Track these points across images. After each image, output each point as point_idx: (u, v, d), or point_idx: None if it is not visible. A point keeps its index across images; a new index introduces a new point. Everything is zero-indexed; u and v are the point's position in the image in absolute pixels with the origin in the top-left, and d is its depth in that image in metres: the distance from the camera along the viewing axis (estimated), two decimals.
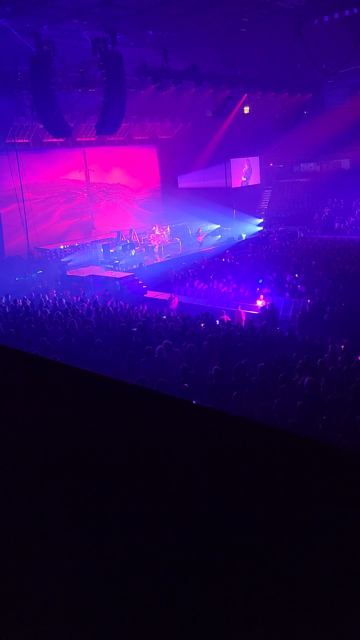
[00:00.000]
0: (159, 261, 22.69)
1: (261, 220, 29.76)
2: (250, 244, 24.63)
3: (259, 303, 14.87)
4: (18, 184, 21.12)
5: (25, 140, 22.05)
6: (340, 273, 16.70)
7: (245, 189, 29.70)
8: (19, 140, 21.74)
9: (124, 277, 18.82)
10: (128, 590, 0.74)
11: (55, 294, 16.38)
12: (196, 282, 18.49)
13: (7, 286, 17.48)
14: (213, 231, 28.35)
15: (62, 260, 21.33)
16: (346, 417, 6.39)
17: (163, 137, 28.37)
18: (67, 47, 19.48)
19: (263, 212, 30.67)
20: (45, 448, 1.01)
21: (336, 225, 27.32)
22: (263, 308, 14.09)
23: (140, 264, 21.55)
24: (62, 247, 22.59)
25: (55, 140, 21.63)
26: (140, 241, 24.06)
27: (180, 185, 29.33)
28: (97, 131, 19.93)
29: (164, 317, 12.74)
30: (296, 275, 17.41)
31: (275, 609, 0.66)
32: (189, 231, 26.77)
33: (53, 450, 0.99)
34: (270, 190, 31.40)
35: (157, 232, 24.29)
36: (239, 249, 24.34)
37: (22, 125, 21.38)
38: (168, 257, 23.36)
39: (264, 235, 27.50)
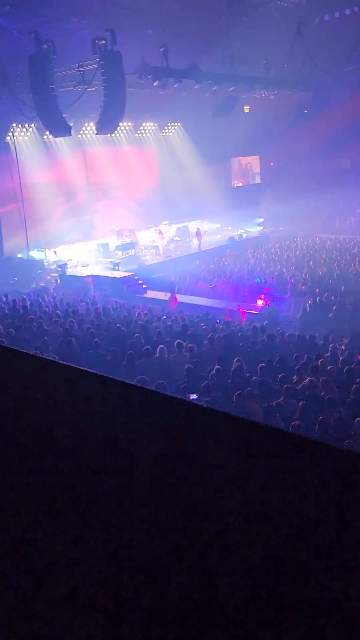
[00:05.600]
0: (159, 261, 22.70)
1: (262, 220, 29.75)
2: (250, 244, 24.63)
3: (259, 303, 14.85)
4: (17, 183, 21.10)
5: (25, 140, 22.04)
6: (341, 273, 16.68)
7: (245, 189, 29.70)
8: (18, 140, 21.73)
9: (123, 277, 18.80)
10: (127, 590, 0.73)
11: (55, 294, 16.35)
12: (196, 282, 18.46)
13: (6, 286, 17.47)
14: (213, 231, 28.35)
15: (61, 259, 21.32)
16: (344, 418, 6.37)
17: (163, 136, 28.36)
18: (67, 46, 19.43)
19: (263, 212, 30.67)
20: (45, 448, 1.01)
21: (337, 224, 27.31)
22: (263, 308, 14.06)
23: (140, 264, 21.54)
24: (61, 246, 22.58)
25: (55, 139, 21.61)
26: (141, 241, 24.08)
27: (180, 184, 29.30)
28: (97, 130, 19.92)
29: (164, 317, 12.72)
30: (297, 273, 17.38)
31: (276, 609, 0.66)
32: (189, 231, 26.77)
33: (53, 450, 1.00)
34: (270, 190, 31.38)
35: (163, 231, 24.31)
36: (240, 248, 24.33)
37: (21, 124, 21.39)
38: (168, 257, 23.37)
39: (264, 234, 27.50)
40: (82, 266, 21.06)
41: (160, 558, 0.76)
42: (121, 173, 26.93)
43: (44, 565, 0.81)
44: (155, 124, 27.46)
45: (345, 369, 8.02)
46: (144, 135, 27.41)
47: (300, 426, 6.21)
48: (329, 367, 8.24)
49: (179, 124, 28.60)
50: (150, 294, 17.97)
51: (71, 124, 20.31)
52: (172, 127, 28.65)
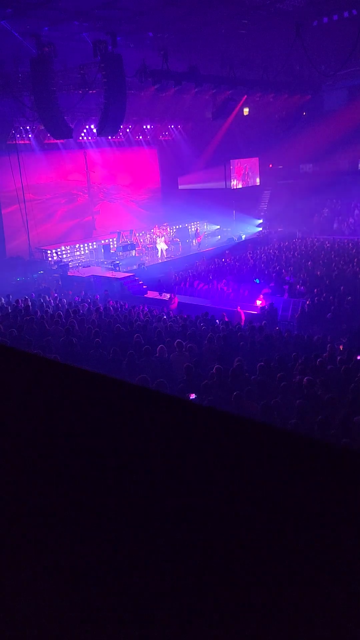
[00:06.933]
0: (159, 262, 22.80)
1: (260, 221, 29.85)
2: (249, 245, 24.73)
3: (259, 303, 14.95)
4: (19, 184, 21.19)
5: (26, 142, 22.14)
6: (339, 273, 16.79)
7: (244, 190, 29.78)
8: (20, 142, 21.83)
9: (124, 277, 18.91)
10: (126, 592, 0.74)
11: (56, 294, 16.46)
12: (196, 282, 18.57)
13: (8, 286, 17.57)
14: (213, 232, 28.44)
15: (63, 260, 21.43)
16: (343, 417, 6.46)
17: (163, 138, 28.46)
18: (68, 49, 19.53)
19: (262, 213, 30.76)
20: (45, 448, 1.01)
21: (335, 225, 27.42)
22: (262, 308, 14.16)
23: (140, 265, 21.64)
24: (63, 247, 22.70)
25: (56, 141, 21.71)
26: (142, 241, 24.17)
27: (180, 186, 29.42)
28: (97, 132, 20.02)
29: (164, 317, 12.82)
30: (296, 274, 17.49)
31: (275, 611, 0.66)
32: (189, 232, 26.88)
33: (53, 451, 0.99)
34: (269, 191, 31.49)
35: (163, 233, 24.41)
36: (239, 249, 24.44)
37: (23, 126, 21.47)
38: (169, 257, 23.47)
39: (263, 235, 27.60)
40: (83, 267, 21.17)
41: (159, 558, 0.76)
42: (122, 175, 27.06)
43: (44, 566, 0.82)
44: (156, 126, 27.55)
45: (343, 368, 8.11)
46: (144, 137, 27.51)
47: (298, 425, 6.32)
48: (327, 367, 8.34)
49: (179, 126, 28.71)
50: (150, 294, 18.08)
51: (72, 126, 20.43)
52: (172, 129, 28.76)
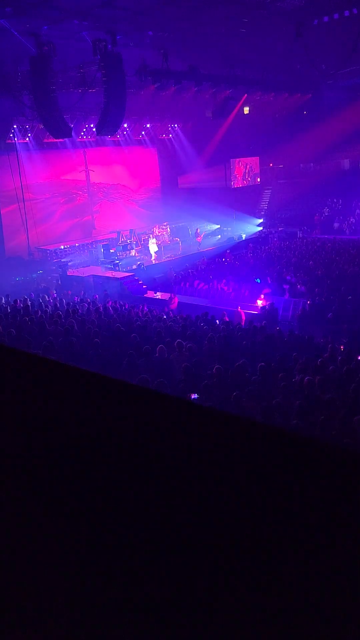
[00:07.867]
0: (159, 261, 22.72)
1: (261, 221, 29.81)
2: (250, 244, 24.68)
3: (259, 303, 14.90)
4: (18, 184, 21.14)
5: (25, 141, 22.11)
6: (340, 273, 16.75)
7: (245, 189, 29.76)
8: (19, 141, 21.80)
9: (124, 277, 18.86)
10: (126, 594, 0.74)
11: (55, 294, 16.40)
12: (196, 282, 18.52)
13: (7, 286, 17.52)
14: (213, 231, 28.39)
15: (62, 260, 21.37)
16: (344, 417, 6.42)
17: (163, 137, 28.43)
18: (68, 48, 19.50)
19: (263, 212, 30.72)
20: (44, 448, 1.01)
21: (336, 225, 27.37)
22: (263, 308, 14.12)
23: (140, 264, 21.58)
24: (62, 247, 22.64)
25: (55, 140, 21.67)
26: (142, 241, 24.09)
27: (180, 185, 29.38)
28: (97, 131, 19.97)
29: (164, 317, 12.78)
30: (297, 274, 17.44)
31: (275, 611, 0.66)
32: (189, 231, 26.81)
33: (52, 451, 1.00)
34: (270, 191, 31.44)
35: (162, 232, 24.29)
36: (239, 249, 24.40)
37: (22, 125, 21.44)
38: (168, 257, 23.39)
39: (263, 235, 27.55)
40: (83, 266, 21.11)
41: (159, 557, 0.76)
42: (121, 174, 27.01)
43: (44, 566, 0.82)
44: (156, 125, 27.52)
45: (345, 368, 8.07)
46: (144, 136, 27.48)
47: (299, 425, 6.27)
48: (328, 367, 8.30)
49: (179, 125, 28.67)
50: (150, 294, 18.04)
51: (72, 125, 20.38)
52: (172, 128, 28.72)
